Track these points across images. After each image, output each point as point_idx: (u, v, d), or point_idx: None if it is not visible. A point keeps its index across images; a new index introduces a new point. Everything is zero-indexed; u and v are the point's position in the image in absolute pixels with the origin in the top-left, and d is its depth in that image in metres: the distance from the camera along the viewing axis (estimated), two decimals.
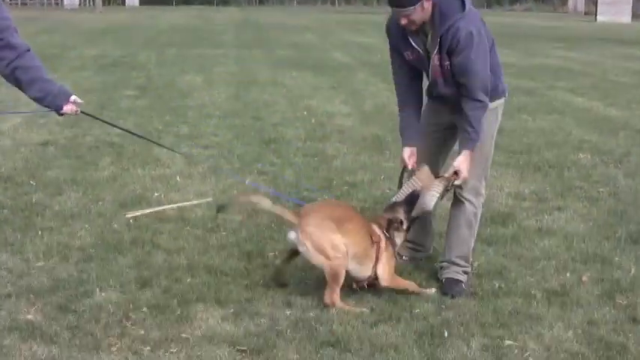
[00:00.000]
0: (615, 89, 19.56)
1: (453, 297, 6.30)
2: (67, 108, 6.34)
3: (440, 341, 5.55)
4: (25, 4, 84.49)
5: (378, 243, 6.19)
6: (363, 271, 6.17)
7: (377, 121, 13.97)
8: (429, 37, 6.11)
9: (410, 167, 6.46)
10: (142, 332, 5.62)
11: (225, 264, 6.86)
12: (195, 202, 8.73)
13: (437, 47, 6.03)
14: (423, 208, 6.33)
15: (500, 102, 6.44)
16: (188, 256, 7.07)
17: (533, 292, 6.38)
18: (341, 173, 10.11)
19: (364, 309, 6.02)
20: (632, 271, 6.86)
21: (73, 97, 6.36)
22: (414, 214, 6.34)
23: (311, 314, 5.92)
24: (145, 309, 5.96)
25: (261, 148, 11.61)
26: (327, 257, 5.95)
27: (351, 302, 6.11)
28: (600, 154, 11.52)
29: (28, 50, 6.14)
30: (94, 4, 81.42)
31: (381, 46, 31.03)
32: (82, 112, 6.54)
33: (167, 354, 5.34)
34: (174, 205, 8.56)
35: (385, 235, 6.27)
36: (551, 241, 7.65)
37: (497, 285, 6.51)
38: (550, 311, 6.04)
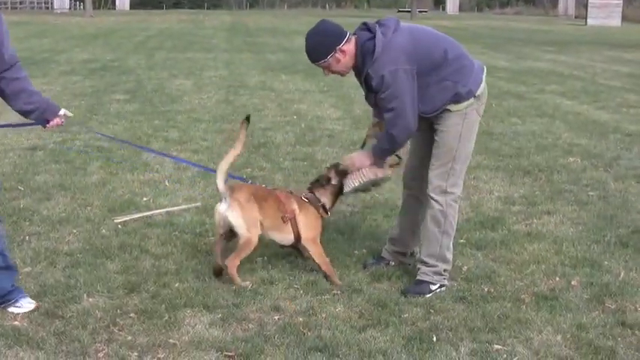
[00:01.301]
0: (605, 92, 19.59)
1: (405, 295, 6.37)
2: (54, 122, 6.19)
3: (428, 346, 5.54)
4: (15, 7, 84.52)
5: (291, 212, 6.71)
6: (284, 238, 6.79)
7: (367, 125, 13.86)
8: (362, 82, 6.47)
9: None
10: (130, 338, 5.60)
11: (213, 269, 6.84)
12: (184, 206, 8.71)
13: (365, 90, 6.47)
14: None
15: (465, 104, 6.39)
16: (176, 261, 7.05)
17: (522, 296, 6.38)
18: None
19: (247, 282, 6.54)
20: (622, 275, 6.87)
21: (62, 111, 6.21)
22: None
23: (299, 319, 5.91)
24: (132, 314, 5.94)
25: (251, 153, 11.58)
26: (247, 230, 6.50)
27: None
28: (590, 158, 11.52)
29: (17, 62, 5.95)
30: (84, 7, 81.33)
31: None
32: (99, 133, 6.44)
33: (155, 359, 5.32)
34: (163, 210, 8.54)
35: (303, 200, 6.83)
36: (540, 245, 7.65)
37: (486, 289, 6.50)
38: (539, 315, 6.03)
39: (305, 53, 6.42)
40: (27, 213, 8.39)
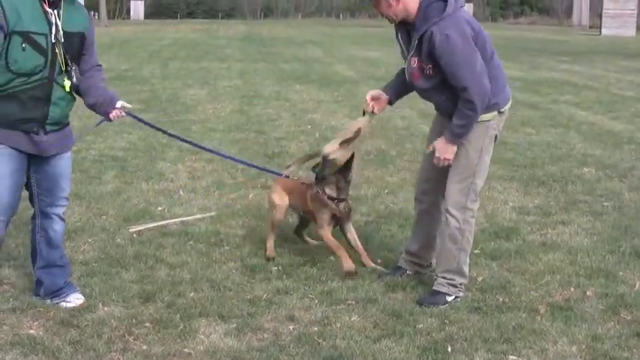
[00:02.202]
0: (619, 103, 19.53)
1: (420, 305, 6.36)
2: (113, 114, 6.40)
3: (443, 356, 5.53)
4: None
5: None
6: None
7: (381, 135, 13.95)
8: (412, 38, 6.23)
9: (368, 109, 6.97)
10: (145, 347, 5.62)
11: (228, 279, 6.85)
12: (198, 216, 8.73)
13: (413, 50, 6.21)
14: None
15: (490, 115, 6.31)
16: (191, 270, 7.06)
17: (537, 306, 6.36)
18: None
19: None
20: (637, 285, 6.84)
21: (119, 104, 6.39)
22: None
23: (314, 329, 5.91)
24: (147, 324, 5.95)
25: (265, 162, 11.59)
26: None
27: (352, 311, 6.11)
28: (604, 168, 11.50)
29: (100, 65, 6.42)
30: (98, 17, 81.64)
31: (385, 59, 31.11)
32: (131, 115, 6.75)
33: None
34: (178, 220, 8.56)
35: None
36: (555, 255, 7.63)
37: (501, 300, 6.49)
38: (554, 326, 6.01)
39: None
40: None
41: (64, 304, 6.29)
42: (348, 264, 6.92)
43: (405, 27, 6.34)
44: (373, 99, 6.94)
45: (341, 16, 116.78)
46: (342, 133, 6.86)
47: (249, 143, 13.10)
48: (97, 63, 6.35)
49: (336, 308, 6.28)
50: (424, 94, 6.46)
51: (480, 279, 6.93)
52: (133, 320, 6.00)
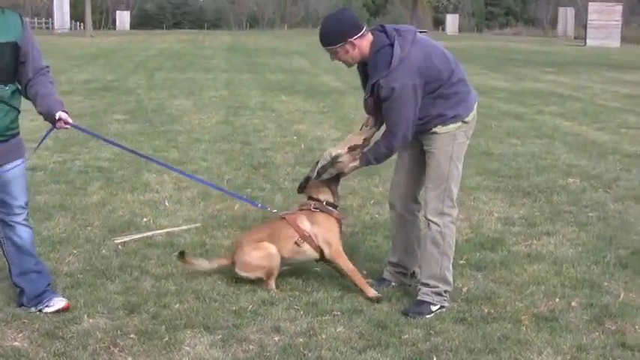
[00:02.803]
0: (604, 114, 19.62)
1: (405, 316, 6.38)
2: (57, 126, 6.37)
3: None
4: None
5: (303, 233, 6.94)
6: (307, 256, 7.01)
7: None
8: (368, 81, 6.50)
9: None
10: (130, 359, 5.61)
11: (213, 290, 6.84)
12: (184, 227, 8.72)
13: (369, 92, 6.48)
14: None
15: (454, 126, 6.49)
16: (176, 281, 7.05)
17: (522, 317, 6.37)
18: None
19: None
20: (622, 296, 6.86)
21: (57, 115, 6.30)
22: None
23: (300, 340, 5.91)
24: (132, 335, 5.93)
25: (251, 173, 11.61)
26: (261, 271, 6.93)
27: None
28: (589, 179, 11.53)
29: (47, 67, 6.41)
30: (84, 27, 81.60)
31: None
32: (76, 127, 6.63)
33: None
34: (163, 231, 8.55)
35: (313, 211, 6.98)
36: (540, 266, 7.65)
37: (486, 310, 6.50)
38: (539, 336, 6.02)
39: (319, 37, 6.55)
40: None
41: (47, 309, 6.33)
42: (373, 292, 6.78)
43: (362, 66, 6.62)
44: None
45: None
46: (346, 140, 6.88)
47: (235, 154, 13.10)
48: (41, 67, 6.33)
49: (322, 319, 6.28)
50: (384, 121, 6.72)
51: (465, 290, 6.94)
52: (118, 332, 5.98)
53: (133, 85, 24.72)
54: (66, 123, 6.31)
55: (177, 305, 6.50)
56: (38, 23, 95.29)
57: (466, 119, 6.52)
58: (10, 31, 6.09)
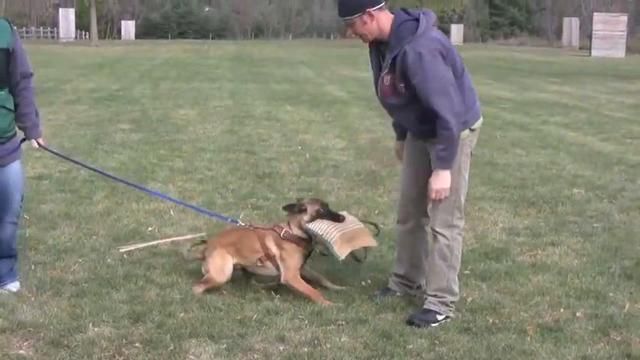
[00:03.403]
0: (610, 124, 19.61)
1: (411, 323, 6.37)
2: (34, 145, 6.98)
3: None
4: (22, 36, 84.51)
5: (268, 252, 7.01)
6: (268, 272, 7.09)
7: (371, 155, 13.99)
8: (386, 57, 6.31)
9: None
10: None
11: (218, 299, 6.84)
12: (189, 236, 8.72)
13: (387, 68, 6.26)
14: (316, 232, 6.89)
15: (463, 134, 6.34)
16: (181, 290, 7.05)
17: (527, 327, 6.35)
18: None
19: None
20: (627, 306, 6.85)
21: (33, 143, 6.95)
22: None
23: (304, 350, 5.90)
24: (137, 344, 5.94)
25: (256, 183, 11.61)
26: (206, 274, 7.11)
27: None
28: (594, 189, 11.53)
29: (31, 75, 6.74)
30: (89, 37, 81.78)
31: None
32: (47, 149, 7.32)
33: None
34: (168, 240, 8.56)
35: (282, 238, 6.99)
36: (545, 276, 7.64)
37: (490, 321, 6.49)
38: (544, 347, 6.01)
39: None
40: (33, 242, 8.41)
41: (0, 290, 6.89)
42: (327, 302, 6.83)
43: (377, 46, 6.45)
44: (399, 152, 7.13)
45: (332, 36, 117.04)
46: (350, 239, 6.86)
47: (240, 164, 13.11)
48: (28, 73, 6.67)
49: (326, 329, 6.27)
50: (394, 111, 6.58)
51: (469, 300, 6.93)
52: (123, 340, 5.99)
53: (138, 95, 24.77)
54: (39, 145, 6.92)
55: (182, 314, 6.50)
56: (44, 32, 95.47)
57: (473, 127, 6.46)
58: (2, 38, 6.35)
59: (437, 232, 6.51)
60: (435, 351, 5.93)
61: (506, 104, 23.77)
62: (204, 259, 7.19)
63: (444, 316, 6.48)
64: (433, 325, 6.37)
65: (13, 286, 6.98)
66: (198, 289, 7.00)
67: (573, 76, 38.22)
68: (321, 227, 6.84)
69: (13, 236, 7.04)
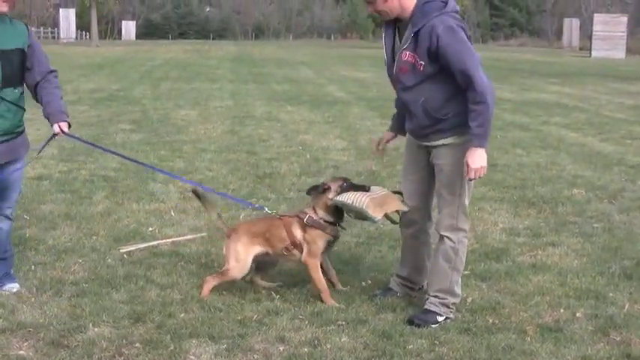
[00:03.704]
0: (610, 125, 19.62)
1: (411, 323, 6.37)
2: (56, 130, 6.89)
3: None
4: None
5: (294, 240, 6.95)
6: (292, 260, 7.13)
7: (372, 156, 13.95)
8: (405, 33, 6.25)
9: (376, 147, 7.15)
10: None
11: (218, 299, 6.84)
12: (189, 237, 8.73)
13: (407, 44, 6.20)
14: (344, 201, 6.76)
15: (466, 137, 6.27)
16: (182, 291, 7.05)
17: (526, 327, 6.35)
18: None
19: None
20: (626, 306, 6.85)
21: (55, 129, 6.87)
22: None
23: (304, 350, 5.91)
24: (138, 344, 5.94)
25: (256, 183, 11.62)
26: (227, 262, 7.00)
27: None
28: (594, 190, 11.53)
29: (53, 72, 6.94)
30: (90, 37, 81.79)
31: (376, 80, 31.18)
32: (70, 135, 7.08)
33: None
34: (169, 240, 8.56)
35: (306, 225, 6.93)
36: (545, 276, 7.64)
37: (490, 321, 6.49)
38: (544, 347, 6.02)
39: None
40: (33, 242, 8.42)
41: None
42: (331, 301, 6.86)
43: (395, 25, 6.41)
44: (380, 142, 7.20)
45: (332, 37, 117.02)
46: (381, 202, 6.75)
47: (241, 164, 13.11)
48: (49, 70, 6.89)
49: (327, 329, 6.27)
50: (404, 91, 6.43)
51: (469, 300, 6.93)
52: (124, 341, 5.99)
53: (139, 95, 24.78)
54: (63, 132, 6.86)
55: (182, 314, 6.50)
56: (44, 33, 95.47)
57: None
58: (17, 39, 6.62)
59: (444, 236, 6.51)
60: (435, 351, 5.93)
61: (506, 105, 23.76)
62: (228, 237, 7.09)
63: (444, 317, 6.47)
64: (433, 326, 6.37)
65: (13, 287, 7.01)
66: (211, 282, 6.98)
67: (573, 77, 38.23)
68: (349, 197, 6.71)
69: (8, 234, 7.12)
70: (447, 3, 6.17)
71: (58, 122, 6.81)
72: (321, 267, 7.04)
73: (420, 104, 6.32)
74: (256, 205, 8.08)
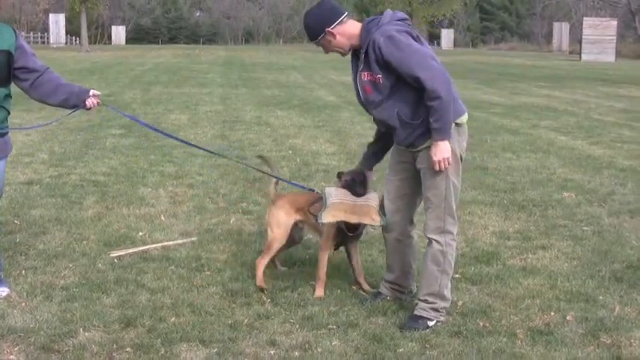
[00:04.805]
0: (599, 128, 19.68)
1: (401, 330, 6.37)
2: (90, 102, 7.18)
3: None
4: None
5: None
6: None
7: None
8: (359, 55, 6.43)
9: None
10: None
11: (209, 303, 6.84)
12: (179, 241, 8.73)
13: (362, 64, 6.39)
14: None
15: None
16: (172, 295, 7.05)
17: (517, 331, 6.37)
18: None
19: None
20: (616, 309, 6.87)
21: (91, 92, 7.14)
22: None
23: (295, 354, 5.91)
24: (128, 349, 5.93)
25: (246, 187, 11.61)
26: (271, 230, 7.35)
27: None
28: (584, 193, 11.56)
29: (47, 69, 7.11)
30: (80, 42, 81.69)
31: None
32: (106, 105, 7.31)
33: None
34: (159, 245, 8.56)
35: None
36: (535, 279, 7.66)
37: (481, 324, 6.50)
38: (534, 350, 6.03)
39: None
40: (23, 247, 8.40)
41: None
42: (320, 292, 6.99)
43: (356, 53, 6.56)
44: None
45: None
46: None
47: (231, 168, 13.09)
48: (43, 68, 7.04)
49: (317, 333, 6.28)
50: (377, 110, 6.51)
51: (460, 303, 6.94)
52: (114, 345, 5.98)
53: (129, 100, 24.76)
54: (95, 97, 7.19)
55: (172, 319, 6.50)
56: (34, 38, 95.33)
57: (458, 120, 6.42)
58: (3, 41, 6.69)
59: (431, 239, 6.53)
60: (425, 354, 5.94)
61: (496, 109, 23.82)
62: (273, 204, 7.47)
63: (434, 321, 6.47)
64: (423, 331, 6.37)
65: (3, 291, 7.00)
66: (262, 263, 7.31)
67: (563, 81, 38.33)
68: (331, 192, 6.92)
69: None
70: (382, 15, 6.40)
71: (85, 98, 7.11)
72: (350, 260, 7.36)
73: (395, 116, 6.41)
74: (305, 187, 8.19)
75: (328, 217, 6.80)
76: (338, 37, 6.42)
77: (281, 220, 7.34)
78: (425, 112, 6.26)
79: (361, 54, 6.37)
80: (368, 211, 6.84)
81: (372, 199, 6.93)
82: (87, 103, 7.13)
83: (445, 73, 6.20)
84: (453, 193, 6.49)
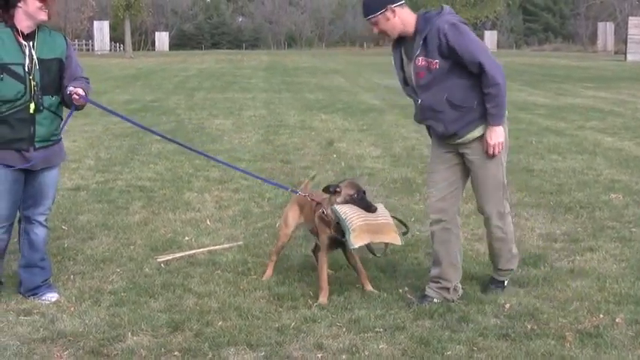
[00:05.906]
0: None
1: (487, 290, 7.24)
2: (70, 90, 6.87)
3: None
4: None
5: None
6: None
7: (407, 163, 13.97)
8: (414, 44, 6.66)
9: None
10: None
11: (256, 307, 6.86)
12: (226, 245, 8.76)
13: (419, 50, 6.61)
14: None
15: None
16: (219, 299, 7.08)
17: (566, 333, 6.31)
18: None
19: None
20: None
21: (68, 90, 6.85)
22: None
23: (342, 357, 5.90)
24: (176, 353, 5.96)
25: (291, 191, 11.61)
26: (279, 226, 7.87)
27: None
28: (632, 194, 11.44)
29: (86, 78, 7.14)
30: (124, 49, 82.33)
31: None
32: (92, 102, 7.07)
33: None
34: (205, 249, 8.59)
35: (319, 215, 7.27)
36: (583, 282, 7.59)
37: (529, 327, 6.46)
38: (584, 353, 5.97)
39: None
40: (71, 252, 8.47)
41: (39, 300, 7.01)
42: (323, 299, 7.01)
43: (401, 43, 6.84)
44: None
45: (365, 44, 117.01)
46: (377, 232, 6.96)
47: (276, 172, 13.13)
48: (81, 75, 7.07)
49: (364, 336, 6.27)
50: (426, 94, 6.75)
51: (507, 306, 6.90)
52: (162, 349, 6.01)
53: (173, 105, 24.89)
54: (78, 95, 6.82)
55: (220, 323, 6.52)
56: (79, 45, 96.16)
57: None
58: (56, 49, 6.87)
59: (494, 225, 6.99)
60: (473, 357, 5.91)
61: (541, 110, 23.67)
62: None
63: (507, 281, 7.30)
64: (501, 292, 7.16)
65: (52, 296, 7.08)
66: (272, 260, 7.75)
67: (609, 81, 37.99)
68: (346, 211, 6.93)
69: (44, 241, 7.23)
70: (442, 8, 6.69)
71: (73, 87, 6.84)
72: (349, 261, 7.41)
73: (444, 101, 6.70)
74: (289, 189, 8.30)
75: (358, 242, 6.84)
76: (396, 18, 6.65)
77: (288, 221, 7.74)
78: (476, 97, 6.64)
79: (418, 40, 6.59)
80: (389, 229, 7.01)
81: (385, 214, 7.11)
82: (68, 90, 6.91)
83: (498, 63, 6.61)
84: (504, 175, 6.92)
